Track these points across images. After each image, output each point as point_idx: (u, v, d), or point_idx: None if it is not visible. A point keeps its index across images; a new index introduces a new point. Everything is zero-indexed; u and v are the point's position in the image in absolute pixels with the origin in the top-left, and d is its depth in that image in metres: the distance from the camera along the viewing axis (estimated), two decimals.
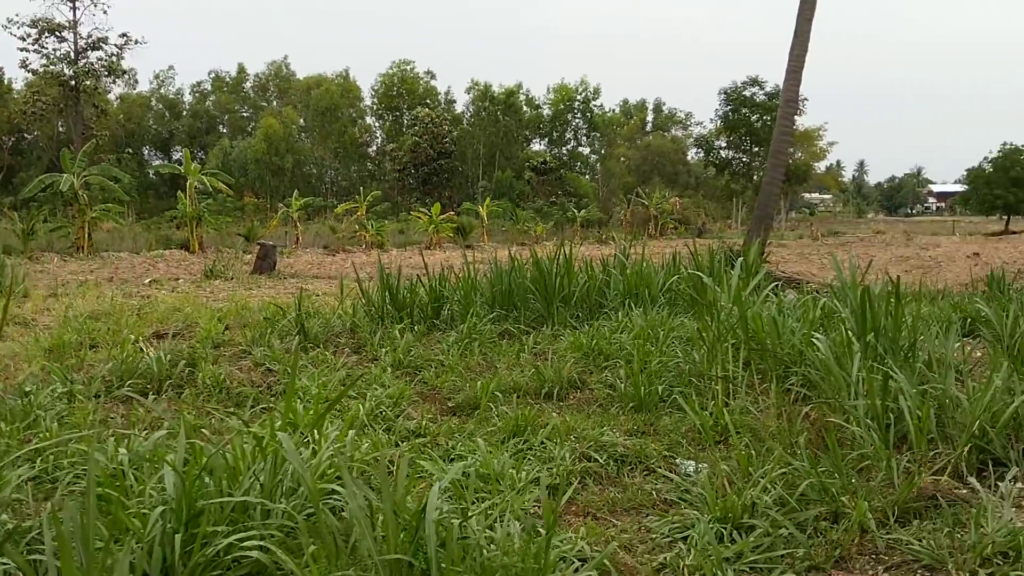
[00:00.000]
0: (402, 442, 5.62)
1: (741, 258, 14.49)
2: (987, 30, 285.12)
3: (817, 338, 5.93)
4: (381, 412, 6.28)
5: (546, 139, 77.81)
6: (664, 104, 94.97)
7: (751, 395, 6.32)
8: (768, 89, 43.32)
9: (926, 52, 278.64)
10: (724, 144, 45.04)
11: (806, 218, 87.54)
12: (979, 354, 8.06)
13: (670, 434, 5.64)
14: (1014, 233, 55.04)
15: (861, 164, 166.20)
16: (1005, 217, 60.45)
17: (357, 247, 38.25)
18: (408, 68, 75.99)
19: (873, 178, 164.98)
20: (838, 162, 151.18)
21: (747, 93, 43.57)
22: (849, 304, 6.90)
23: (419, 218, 43.50)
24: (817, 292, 14.09)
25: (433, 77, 78.22)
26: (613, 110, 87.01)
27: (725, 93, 44.03)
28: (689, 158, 77.96)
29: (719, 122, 45.36)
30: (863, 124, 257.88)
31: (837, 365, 5.74)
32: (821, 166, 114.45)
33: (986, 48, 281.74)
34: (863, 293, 6.39)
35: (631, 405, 6.36)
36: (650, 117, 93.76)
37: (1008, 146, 58.79)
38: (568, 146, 78.93)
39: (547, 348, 8.59)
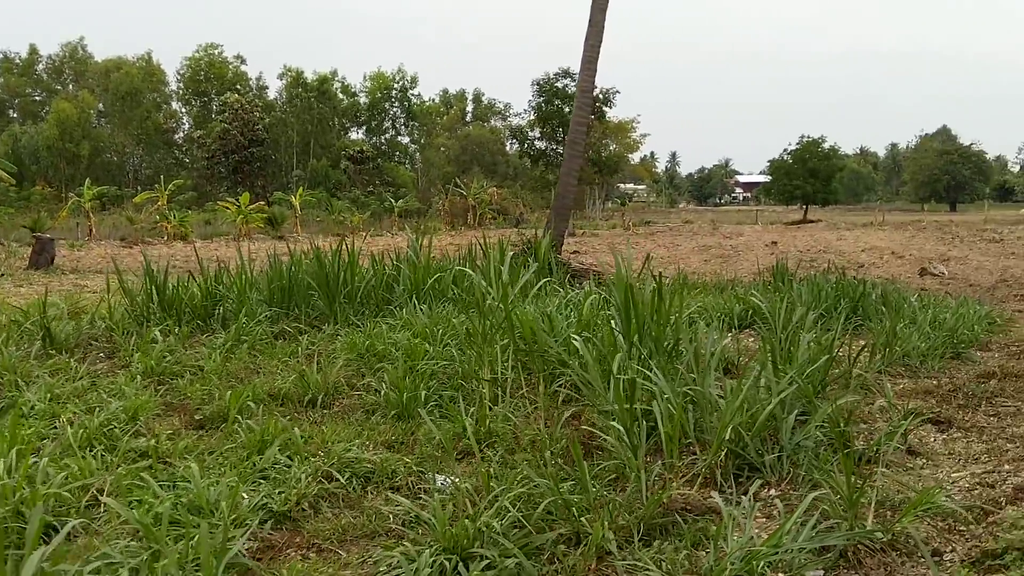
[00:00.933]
0: (124, 465, 4.94)
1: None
2: (791, 24, 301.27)
3: (575, 338, 5.62)
4: (111, 429, 5.56)
5: (364, 128, 76.44)
6: (484, 94, 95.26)
7: (521, 399, 5.99)
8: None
9: (736, 46, 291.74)
10: (538, 135, 45.40)
11: (619, 208, 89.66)
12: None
13: (424, 445, 5.21)
14: (811, 222, 58.02)
15: (673, 156, 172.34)
16: (804, 207, 63.72)
17: (158, 239, 36.22)
18: (216, 52, 72.97)
19: (684, 169, 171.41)
20: (652, 153, 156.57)
21: (559, 85, 44.06)
22: (614, 300, 6.65)
23: (227, 208, 41.65)
24: (613, 284, 14.16)
25: (243, 62, 75.55)
26: (433, 99, 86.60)
27: (538, 84, 44.38)
28: (508, 148, 78.40)
29: (533, 113, 45.78)
30: (676, 117, 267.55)
31: (600, 365, 5.46)
32: (636, 157, 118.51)
33: (790, 44, 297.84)
34: (627, 289, 6.14)
35: (394, 412, 5.91)
36: (470, 107, 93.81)
37: (806, 138, 62.02)
38: (387, 135, 77.90)
39: (323, 349, 8.03)
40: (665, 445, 4.49)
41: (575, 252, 28.71)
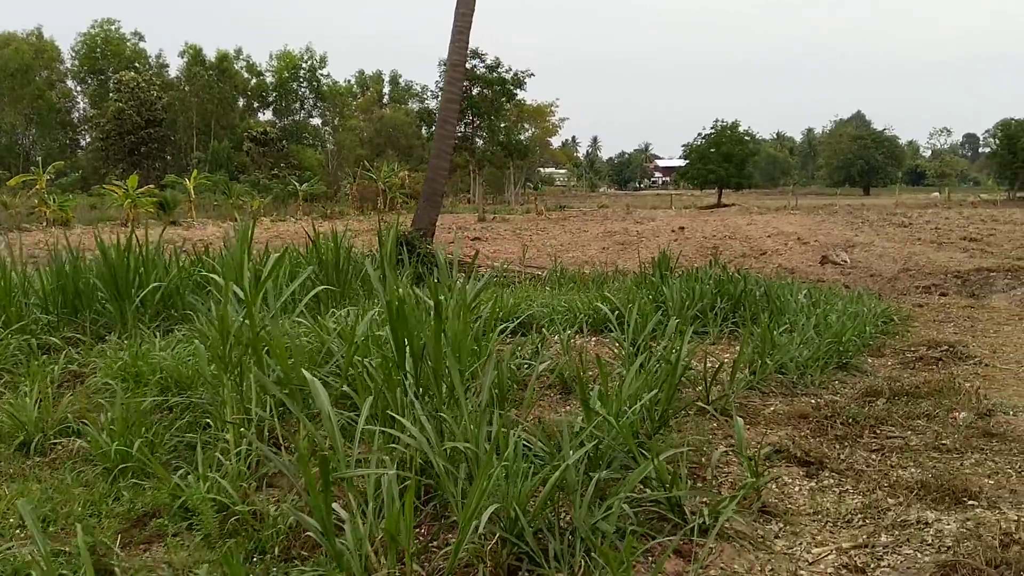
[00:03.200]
0: None
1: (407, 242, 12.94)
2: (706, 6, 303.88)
3: (307, 374, 4.17)
4: None
5: (271, 109, 73.85)
6: (401, 76, 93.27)
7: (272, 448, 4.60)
8: (488, 61, 42.53)
9: (656, 27, 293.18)
10: None
11: (539, 192, 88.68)
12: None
13: (112, 519, 3.79)
14: (725, 206, 57.66)
15: (595, 140, 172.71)
16: (719, 191, 63.38)
17: (37, 225, 33.81)
18: (113, 28, 69.51)
19: (605, 153, 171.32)
20: (573, 138, 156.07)
21: (468, 66, 42.34)
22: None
23: (114, 192, 39.20)
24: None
25: (142, 39, 72.28)
26: (349, 81, 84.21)
27: (445, 65, 42.58)
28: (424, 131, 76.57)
29: (439, 94, 43.99)
30: (598, 102, 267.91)
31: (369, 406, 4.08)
32: (556, 141, 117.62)
33: (706, 24, 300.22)
34: (395, 304, 4.71)
35: (104, 467, 4.46)
36: (387, 89, 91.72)
37: (720, 123, 61.61)
38: (297, 117, 75.37)
39: (86, 368, 6.51)
40: (390, 534, 3.11)
41: (476, 239, 27.43)
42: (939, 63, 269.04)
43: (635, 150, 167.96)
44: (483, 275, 12.40)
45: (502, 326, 8.37)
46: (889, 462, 4.71)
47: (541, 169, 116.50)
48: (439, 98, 44.38)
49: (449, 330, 4.74)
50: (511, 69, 44.45)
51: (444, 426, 3.97)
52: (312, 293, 6.16)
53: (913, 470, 4.57)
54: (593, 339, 8.16)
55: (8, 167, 57.62)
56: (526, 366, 6.55)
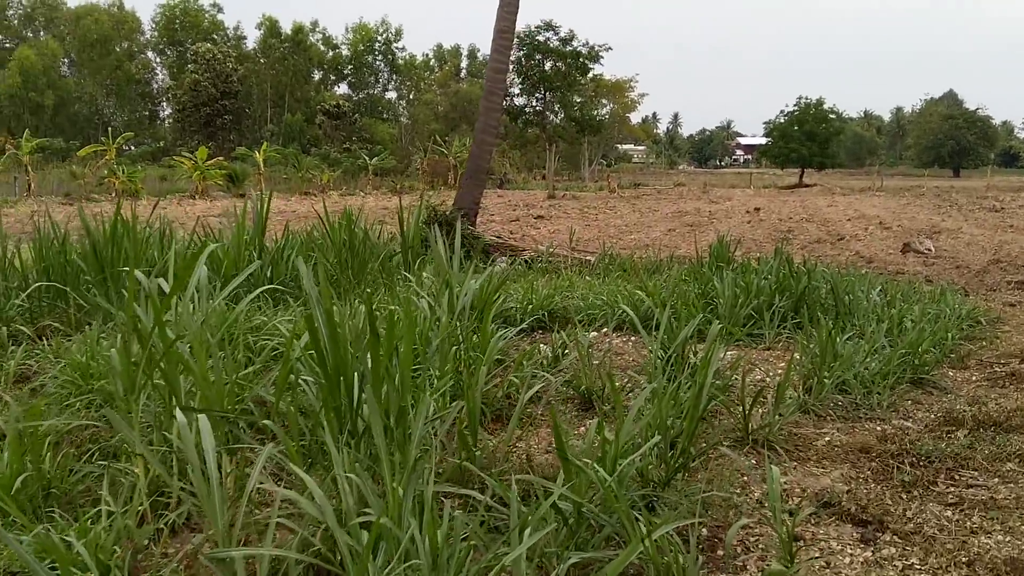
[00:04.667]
0: None
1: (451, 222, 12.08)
2: None
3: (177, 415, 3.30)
4: None
5: (346, 82, 73.63)
6: (479, 51, 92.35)
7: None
8: (562, 34, 41.24)
9: (744, 4, 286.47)
10: (518, 91, 42.76)
11: (613, 170, 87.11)
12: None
13: None
14: (807, 186, 55.60)
15: (676, 117, 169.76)
16: (801, 170, 61.23)
17: (106, 195, 33.91)
18: (192, 0, 69.79)
19: (687, 130, 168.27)
20: (654, 114, 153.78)
21: (540, 38, 41.26)
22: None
23: (182, 164, 39.26)
24: (529, 262, 11.90)
25: (220, 10, 72.39)
26: (427, 55, 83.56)
27: (519, 38, 41.55)
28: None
29: (513, 68, 42.97)
30: (680, 78, 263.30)
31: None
32: (636, 118, 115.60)
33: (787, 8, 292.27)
34: (323, 315, 3.82)
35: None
36: (464, 63, 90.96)
37: (803, 100, 59.40)
38: (372, 91, 75.03)
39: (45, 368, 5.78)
40: None
41: (539, 217, 26.51)
42: None
43: (717, 127, 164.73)
44: (510, 261, 11.53)
45: (532, 318, 7.58)
46: (970, 523, 3.70)
47: (619, 146, 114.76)
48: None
49: (407, 347, 3.85)
50: (588, 43, 43.21)
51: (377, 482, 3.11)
52: (256, 293, 5.23)
53: (1000, 537, 3.56)
54: (632, 339, 7.23)
55: (88, 138, 58.37)
56: (541, 376, 5.65)
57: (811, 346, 5.89)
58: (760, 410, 5.05)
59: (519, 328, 7.17)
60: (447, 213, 12.21)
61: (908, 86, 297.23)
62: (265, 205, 8.96)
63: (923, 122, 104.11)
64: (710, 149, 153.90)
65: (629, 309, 6.70)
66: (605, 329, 7.47)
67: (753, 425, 4.72)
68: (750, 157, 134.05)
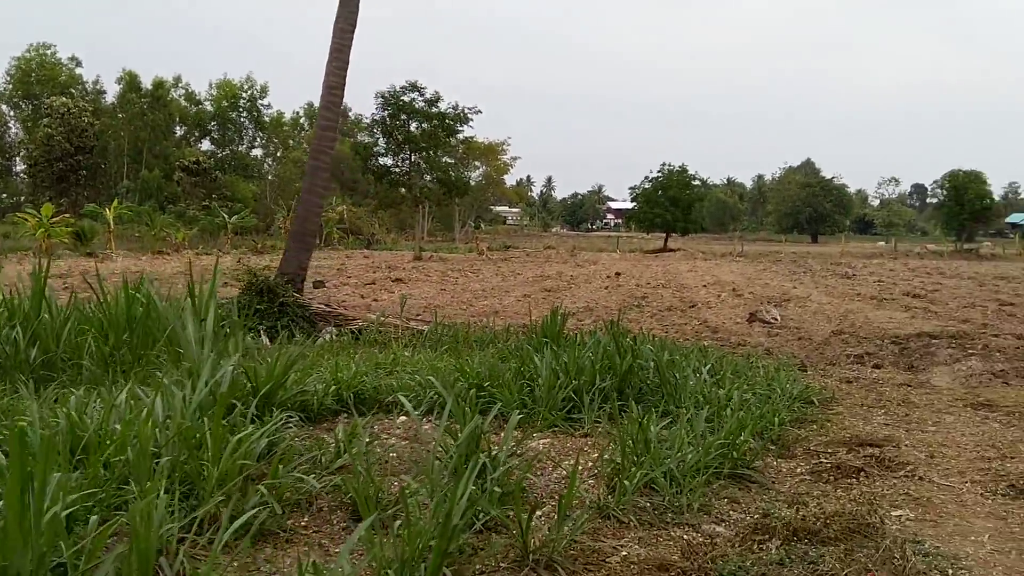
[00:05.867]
0: None
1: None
2: (659, 50, 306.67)
3: None
4: None
5: (208, 138, 71.61)
6: (351, 109, 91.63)
7: None
8: (428, 95, 40.99)
9: (611, 72, 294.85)
10: (382, 151, 42.06)
11: (483, 231, 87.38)
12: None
13: None
14: (672, 251, 56.62)
15: (549, 180, 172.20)
16: (665, 235, 62.38)
17: None
18: (49, 53, 66.96)
19: (560, 193, 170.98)
20: (528, 177, 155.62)
21: (406, 99, 40.89)
22: None
23: (26, 220, 37.09)
24: (358, 332, 11.12)
25: (79, 64, 69.63)
26: (297, 112, 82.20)
27: (383, 97, 41.09)
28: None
29: (377, 128, 42.27)
30: (555, 142, 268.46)
31: None
32: (511, 180, 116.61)
33: (660, 71, 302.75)
34: None
35: None
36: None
37: (667, 166, 60.72)
38: (238, 147, 73.17)
39: None
40: None
41: (398, 280, 25.77)
42: (888, 114, 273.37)
43: (589, 191, 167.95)
44: (337, 333, 10.73)
45: (340, 402, 6.79)
46: None
47: (493, 207, 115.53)
48: (374, 130, 42.77)
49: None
50: (457, 105, 43.08)
51: None
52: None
53: None
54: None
55: None
56: (313, 475, 4.87)
57: (621, 433, 5.29)
58: (554, 519, 4.38)
59: (315, 415, 6.44)
60: (269, 279, 11.33)
61: (767, 154, 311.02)
62: (44, 270, 7.96)
63: (782, 189, 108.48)
64: (582, 212, 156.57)
65: (444, 390, 6.01)
66: (416, 413, 6.73)
67: (539, 540, 4.05)
68: (620, 221, 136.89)
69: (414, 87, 41.07)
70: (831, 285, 24.95)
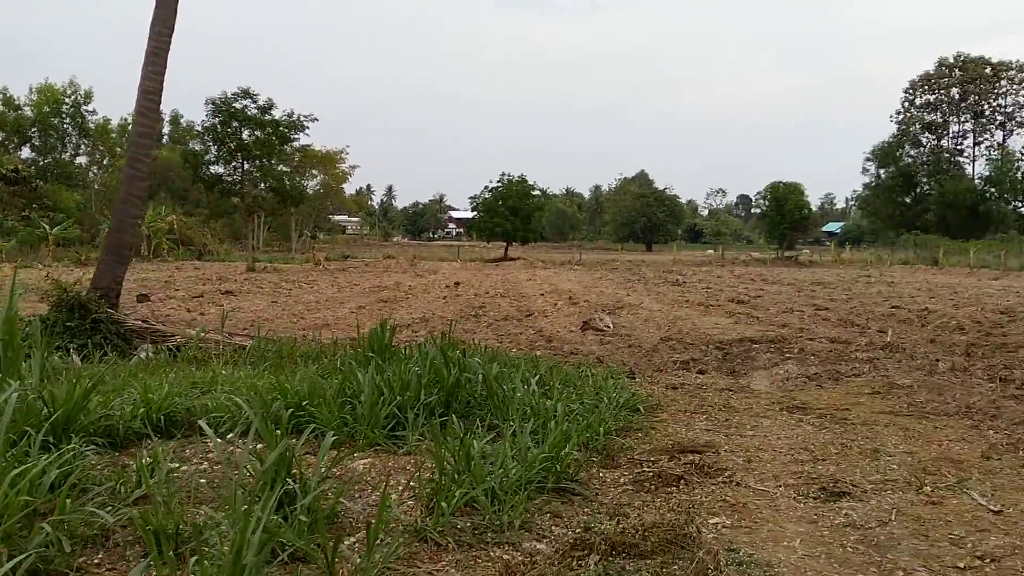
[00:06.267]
0: None
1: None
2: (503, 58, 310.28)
3: None
4: None
5: (27, 146, 67.53)
6: (183, 116, 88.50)
7: None
8: (261, 102, 39.84)
9: (465, 77, 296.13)
10: (213, 159, 40.56)
11: (320, 241, 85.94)
12: None
13: None
14: (512, 260, 57.10)
15: (390, 189, 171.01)
16: (506, 244, 62.85)
17: None
18: None
19: (400, 203, 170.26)
20: (368, 186, 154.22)
21: (238, 106, 39.59)
22: None
23: None
24: (177, 349, 10.60)
25: None
26: (125, 119, 78.53)
27: (213, 104, 39.60)
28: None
29: (208, 135, 40.73)
30: (394, 150, 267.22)
31: None
32: (351, 189, 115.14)
33: (507, 74, 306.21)
34: None
35: None
36: (167, 129, 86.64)
37: (507, 176, 61.21)
38: (61, 155, 69.31)
39: None
40: None
41: (228, 292, 24.85)
42: (717, 126, 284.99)
43: (430, 200, 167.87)
44: (155, 350, 10.20)
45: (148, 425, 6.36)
46: None
47: (332, 217, 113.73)
48: (205, 138, 41.24)
49: None
50: (292, 112, 42.03)
51: None
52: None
53: None
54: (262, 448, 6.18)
55: None
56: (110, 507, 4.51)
57: (443, 449, 5.14)
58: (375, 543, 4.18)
59: (121, 440, 6.02)
60: (80, 294, 10.63)
61: (605, 165, 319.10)
62: None
63: (618, 200, 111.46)
64: (423, 221, 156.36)
65: (252, 411, 5.69)
66: (231, 435, 6.38)
67: (347, 570, 3.85)
68: (462, 230, 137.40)
69: (246, 94, 39.88)
70: (662, 292, 25.64)
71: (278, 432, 4.97)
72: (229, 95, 40.15)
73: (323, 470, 4.80)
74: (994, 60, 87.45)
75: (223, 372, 8.40)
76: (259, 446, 5.24)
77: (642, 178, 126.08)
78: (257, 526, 3.29)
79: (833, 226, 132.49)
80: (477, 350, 9.88)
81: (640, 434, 6.90)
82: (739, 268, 46.95)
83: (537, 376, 7.95)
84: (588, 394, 7.75)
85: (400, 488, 5.15)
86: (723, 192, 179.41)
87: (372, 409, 6.40)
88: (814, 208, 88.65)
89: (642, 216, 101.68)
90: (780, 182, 69.97)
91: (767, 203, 71.44)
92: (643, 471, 5.80)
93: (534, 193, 62.02)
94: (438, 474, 4.90)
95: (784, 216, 67.46)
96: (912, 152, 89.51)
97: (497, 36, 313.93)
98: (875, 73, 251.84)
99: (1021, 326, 15.57)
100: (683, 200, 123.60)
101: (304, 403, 6.58)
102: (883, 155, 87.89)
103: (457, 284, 28.92)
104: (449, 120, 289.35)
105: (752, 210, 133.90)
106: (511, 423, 6.27)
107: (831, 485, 5.47)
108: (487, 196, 61.06)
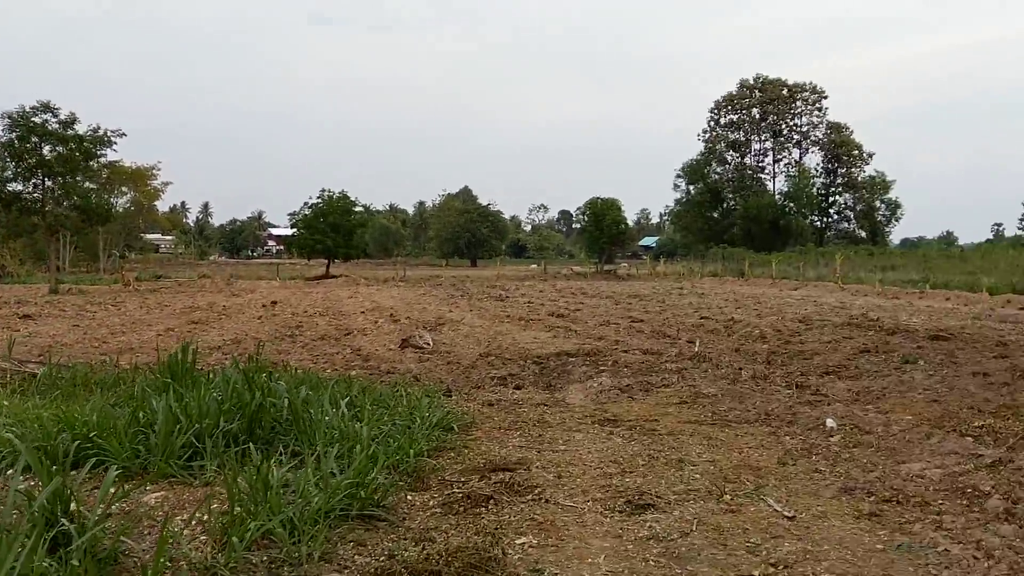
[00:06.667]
0: None
1: None
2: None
3: None
4: None
5: None
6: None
7: None
8: (63, 116, 37.51)
9: (278, 94, 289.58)
10: (12, 176, 37.77)
11: (130, 261, 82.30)
12: None
13: None
14: (333, 277, 56.19)
15: (206, 206, 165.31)
16: (327, 261, 61.83)
17: None
18: None
19: (218, 220, 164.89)
20: (183, 203, 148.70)
21: (37, 120, 37.15)
22: None
23: None
24: None
25: None
26: None
27: (9, 118, 36.91)
28: None
29: (3, 151, 37.90)
30: (210, 167, 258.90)
31: None
32: (164, 206, 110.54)
33: (326, 93, 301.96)
34: None
35: None
36: None
37: (327, 192, 60.20)
38: None
39: None
40: None
41: (26, 316, 23.19)
42: (538, 144, 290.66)
43: (249, 217, 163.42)
44: None
45: None
46: None
47: (145, 235, 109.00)
48: (3, 154, 38.45)
49: None
50: (99, 128, 39.78)
51: None
52: None
53: None
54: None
55: None
56: None
57: (231, 483, 4.86)
58: None
59: None
60: None
61: (429, 180, 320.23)
62: None
63: (442, 215, 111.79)
64: (242, 239, 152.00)
65: (24, 444, 5.21)
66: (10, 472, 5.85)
67: None
68: (282, 247, 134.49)
69: (46, 107, 37.46)
70: (485, 308, 25.74)
71: (54, 467, 4.58)
72: (27, 109, 37.61)
73: (104, 507, 4.42)
74: (790, 82, 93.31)
75: (5, 403, 7.73)
76: (34, 483, 4.81)
77: (466, 194, 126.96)
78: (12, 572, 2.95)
79: (649, 240, 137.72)
80: (288, 372, 9.54)
81: (453, 454, 6.79)
82: (561, 282, 47.88)
83: (347, 398, 7.70)
84: (401, 414, 7.58)
85: (193, 522, 4.82)
86: (545, 208, 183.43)
87: (167, 439, 6.01)
88: (631, 223, 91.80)
89: (466, 232, 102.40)
90: (599, 198, 72.00)
91: (586, 218, 73.33)
92: (453, 492, 5.68)
93: (356, 209, 61.27)
94: (231, 506, 4.62)
95: (603, 231, 69.42)
96: (719, 169, 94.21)
97: (312, 56, 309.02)
98: (688, 93, 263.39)
99: (816, 334, 16.47)
100: (507, 216, 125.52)
101: (92, 435, 6.12)
102: (692, 172, 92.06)
103: (275, 303, 28.10)
104: (267, 137, 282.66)
105: (573, 225, 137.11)
106: (317, 448, 6.04)
107: (637, 498, 5.52)
108: (307, 213, 59.85)
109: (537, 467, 6.36)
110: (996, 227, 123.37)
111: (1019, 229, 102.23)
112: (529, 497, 5.58)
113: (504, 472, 6.15)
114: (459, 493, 5.64)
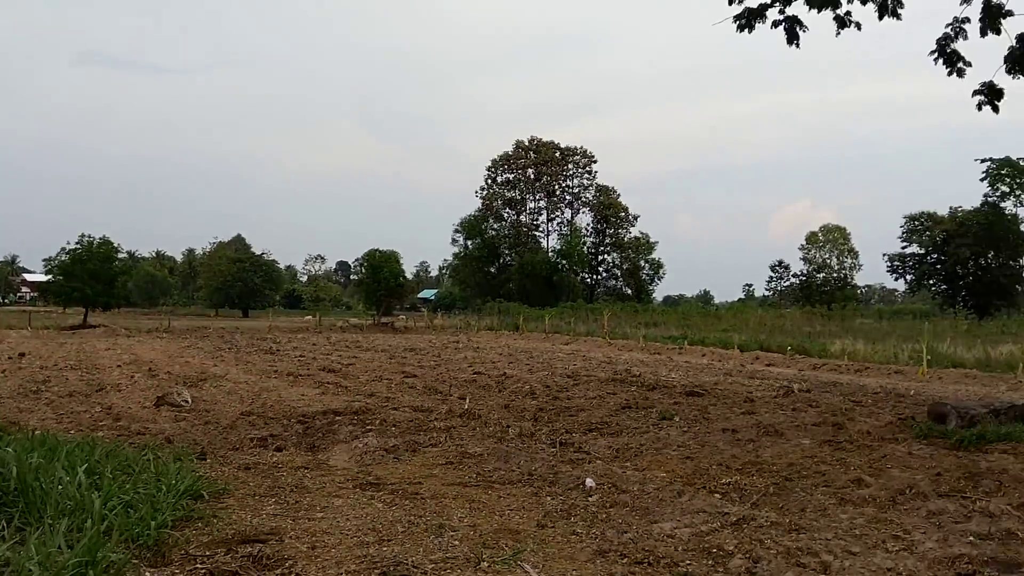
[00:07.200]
0: None
1: None
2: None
3: None
4: None
5: None
6: None
7: None
8: None
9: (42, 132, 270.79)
10: None
11: None
12: None
13: None
14: (92, 327, 52.75)
15: None
16: (85, 310, 58.00)
17: None
18: None
19: None
20: None
21: None
22: None
23: None
24: None
25: None
26: None
27: None
28: None
29: None
30: None
31: None
32: None
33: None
34: None
35: None
36: None
37: (87, 237, 56.72)
38: None
39: None
40: None
41: None
42: (315, 194, 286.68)
43: (1, 261, 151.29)
44: None
45: None
46: None
47: None
48: None
49: None
50: None
51: None
52: None
53: None
54: None
55: None
56: None
57: None
58: None
59: None
60: None
61: (200, 229, 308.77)
62: None
63: (213, 264, 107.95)
64: None
65: None
66: None
67: None
68: (36, 294, 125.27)
69: None
70: (252, 362, 24.86)
71: None
72: None
73: None
74: (563, 145, 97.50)
75: None
76: None
77: (239, 242, 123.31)
78: None
79: (428, 293, 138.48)
80: (24, 434, 8.79)
81: (201, 524, 6.39)
82: (336, 334, 47.07)
83: (87, 464, 7.13)
84: (147, 481, 7.09)
85: None
86: (322, 258, 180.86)
87: None
88: (410, 275, 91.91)
89: (238, 281, 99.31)
90: (377, 250, 71.71)
91: (364, 270, 72.77)
92: (196, 568, 5.34)
93: (119, 256, 58.10)
94: None
95: (380, 283, 69.07)
96: (496, 225, 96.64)
97: (73, 96, 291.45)
98: (464, 149, 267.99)
99: (583, 389, 16.97)
100: (282, 265, 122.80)
101: None
102: (470, 227, 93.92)
103: (22, 355, 25.96)
104: (22, 176, 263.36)
105: (351, 277, 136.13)
106: (47, 521, 5.53)
107: (392, 568, 5.37)
108: (64, 259, 56.09)
109: (290, 537, 6.09)
110: (747, 287, 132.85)
111: (766, 290, 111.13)
112: (279, 572, 5.33)
113: (254, 544, 5.85)
114: (202, 569, 5.31)
